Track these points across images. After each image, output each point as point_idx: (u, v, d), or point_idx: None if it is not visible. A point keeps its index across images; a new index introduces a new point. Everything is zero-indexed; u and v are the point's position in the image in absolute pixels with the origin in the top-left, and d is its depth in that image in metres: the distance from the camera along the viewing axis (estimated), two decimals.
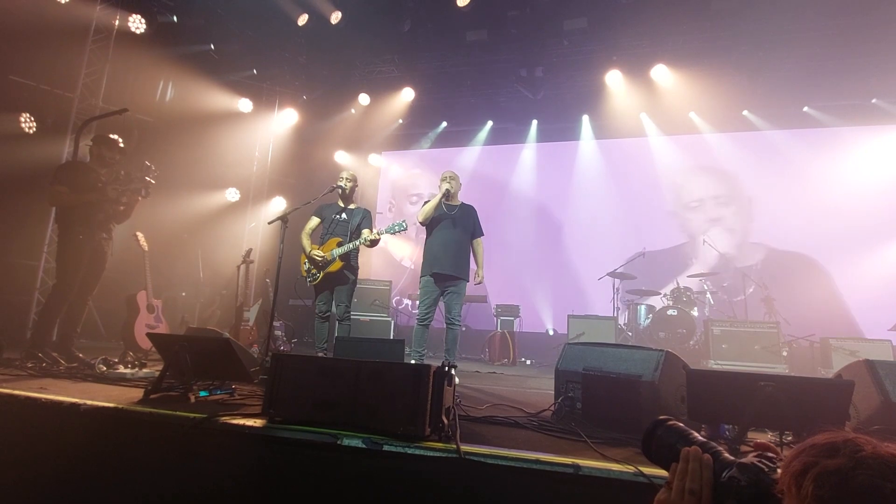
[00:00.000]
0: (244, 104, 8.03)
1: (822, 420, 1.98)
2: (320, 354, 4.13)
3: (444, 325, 4.28)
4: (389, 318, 7.28)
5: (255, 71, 7.96)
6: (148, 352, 4.27)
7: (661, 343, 6.20)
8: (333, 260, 4.25)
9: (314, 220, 4.51)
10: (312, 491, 1.88)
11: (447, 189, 4.30)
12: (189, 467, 2.01)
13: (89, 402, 2.25)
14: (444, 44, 7.25)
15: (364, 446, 1.84)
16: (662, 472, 1.56)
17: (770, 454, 0.77)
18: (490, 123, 9.06)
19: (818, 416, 2.02)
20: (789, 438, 2.12)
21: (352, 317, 4.52)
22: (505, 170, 9.19)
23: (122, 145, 4.20)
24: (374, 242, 4.28)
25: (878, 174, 7.20)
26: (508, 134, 9.13)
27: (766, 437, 2.28)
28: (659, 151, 8.30)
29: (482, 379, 4.66)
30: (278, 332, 6.22)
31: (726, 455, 0.81)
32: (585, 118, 8.60)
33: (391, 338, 6.82)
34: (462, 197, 4.55)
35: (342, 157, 9.30)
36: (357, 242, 4.26)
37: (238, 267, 5.67)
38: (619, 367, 2.46)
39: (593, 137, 8.69)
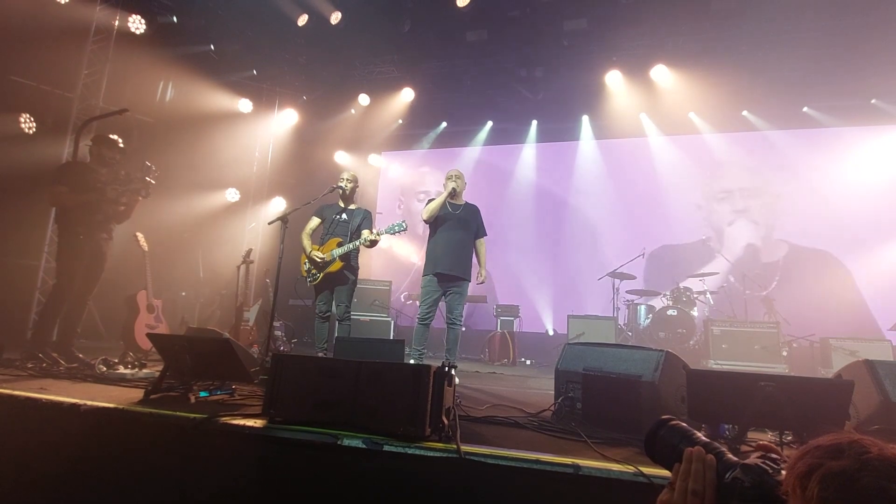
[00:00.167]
0: (244, 104, 8.04)
1: (822, 420, 1.99)
2: (320, 354, 4.13)
3: (445, 325, 4.28)
4: (389, 319, 7.28)
5: (255, 71, 7.97)
6: (148, 352, 4.27)
7: (660, 343, 6.20)
8: (333, 260, 4.25)
9: (315, 221, 4.51)
10: (312, 491, 1.88)
11: (453, 188, 4.30)
12: (189, 468, 2.01)
13: (89, 403, 2.25)
14: (443, 44, 7.25)
15: (364, 446, 1.84)
16: (663, 472, 1.57)
17: (773, 455, 0.77)
18: (490, 123, 9.05)
19: (818, 416, 2.02)
20: (789, 438, 2.12)
21: (352, 317, 4.52)
22: (505, 170, 9.19)
23: (121, 145, 4.20)
24: (373, 243, 4.29)
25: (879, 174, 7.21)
26: (508, 134, 9.12)
27: (767, 437, 2.28)
28: (659, 151, 8.29)
29: (482, 379, 4.66)
30: (278, 333, 6.22)
31: (730, 456, 0.81)
32: (585, 118, 8.60)
33: (391, 338, 6.82)
34: (463, 197, 4.55)
35: (342, 158, 9.30)
36: (357, 243, 4.26)
37: (238, 267, 5.67)
38: (619, 367, 2.46)
39: (593, 138, 8.69)
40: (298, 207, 4.12)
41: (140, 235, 4.67)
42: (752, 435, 2.19)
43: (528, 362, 6.94)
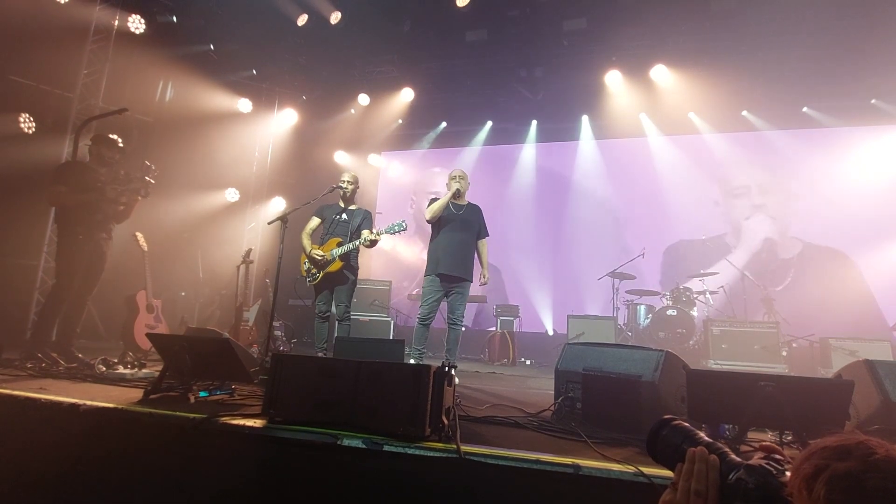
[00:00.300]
0: (244, 104, 8.03)
1: (822, 420, 1.99)
2: (320, 354, 4.13)
3: (447, 325, 4.28)
4: (389, 319, 7.27)
5: (254, 71, 7.97)
6: (147, 352, 4.27)
7: (660, 343, 6.20)
8: (333, 260, 4.25)
9: (315, 221, 4.52)
10: (312, 491, 1.88)
11: (457, 189, 4.30)
12: (189, 468, 2.01)
13: (89, 403, 2.25)
14: (443, 44, 7.25)
15: (364, 446, 1.84)
16: (663, 472, 1.57)
17: (777, 456, 0.76)
18: (490, 123, 9.05)
19: (818, 416, 2.02)
20: (789, 438, 2.12)
21: (351, 317, 4.51)
22: (504, 170, 9.19)
23: (121, 145, 4.20)
24: (373, 243, 4.29)
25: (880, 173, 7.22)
26: (508, 134, 9.12)
27: (767, 437, 2.28)
28: (659, 151, 8.29)
29: (482, 379, 4.66)
30: (278, 333, 6.22)
31: (733, 456, 0.80)
32: (585, 118, 8.60)
33: (391, 338, 6.82)
34: (465, 197, 4.54)
35: (342, 158, 9.30)
36: (357, 242, 4.26)
37: (238, 267, 5.67)
38: (619, 367, 2.46)
39: (593, 138, 8.69)
40: (298, 207, 4.12)
41: (140, 235, 4.67)
42: (751, 435, 2.19)
43: (528, 362, 6.93)
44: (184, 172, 6.94)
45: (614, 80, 7.33)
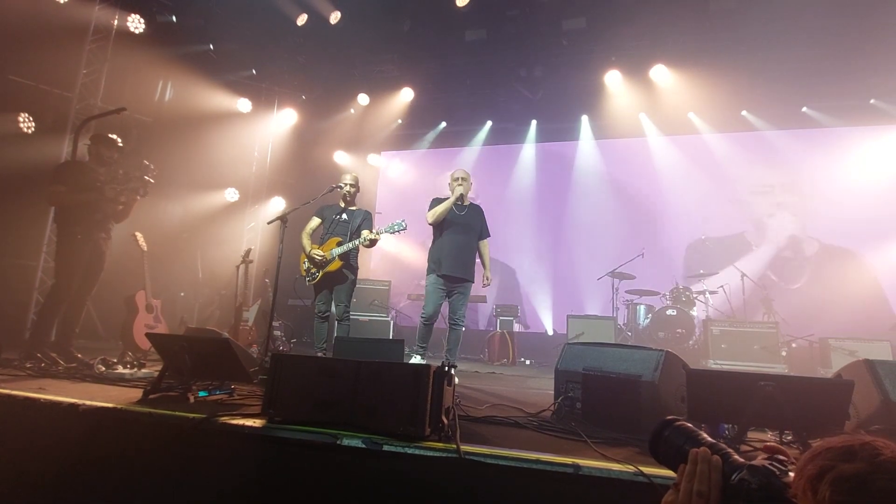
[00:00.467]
0: (243, 104, 8.03)
1: (821, 420, 1.99)
2: (319, 354, 4.13)
3: (448, 325, 4.28)
4: (388, 318, 7.27)
5: (254, 71, 7.96)
6: (147, 352, 4.26)
7: (660, 343, 6.20)
8: (333, 259, 4.25)
9: (315, 221, 4.52)
10: (312, 491, 1.88)
11: (461, 194, 4.29)
12: (188, 468, 2.00)
13: (88, 403, 2.24)
14: (443, 44, 7.25)
15: (364, 446, 1.84)
16: (663, 472, 1.57)
17: (781, 457, 0.76)
18: (489, 123, 9.05)
19: (818, 415, 2.02)
20: (789, 438, 2.12)
21: (351, 317, 4.51)
22: (504, 170, 9.19)
23: (120, 144, 4.19)
24: (373, 242, 4.29)
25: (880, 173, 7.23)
26: (508, 134, 9.12)
27: (767, 437, 2.28)
28: (659, 151, 8.30)
29: (482, 379, 4.65)
30: (277, 332, 6.22)
31: (736, 457, 0.80)
32: (585, 118, 8.60)
33: (391, 338, 6.82)
34: (467, 197, 4.54)
35: (341, 157, 9.30)
36: (356, 242, 4.26)
37: (237, 267, 5.66)
38: (618, 366, 2.46)
39: (592, 137, 8.69)
40: (298, 207, 4.12)
41: (139, 235, 4.66)
42: (751, 435, 2.19)
43: (528, 362, 6.93)
44: (183, 172, 6.93)
45: (614, 79, 7.33)
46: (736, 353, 5.85)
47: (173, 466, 2.02)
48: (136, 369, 3.29)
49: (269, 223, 4.12)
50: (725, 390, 2.14)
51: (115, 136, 4.17)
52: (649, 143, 8.32)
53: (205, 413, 2.11)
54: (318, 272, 4.30)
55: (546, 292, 8.37)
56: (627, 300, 7.03)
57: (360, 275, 4.73)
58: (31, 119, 5.60)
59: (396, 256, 9.21)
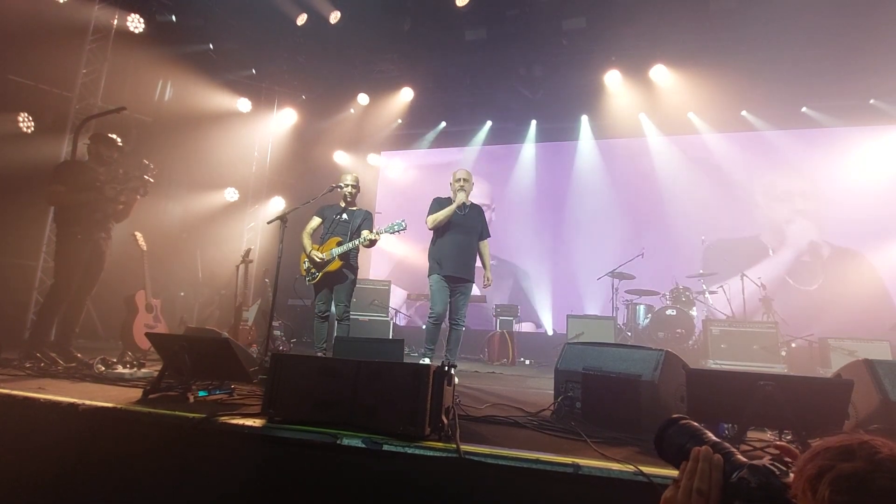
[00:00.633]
0: (243, 104, 8.03)
1: (821, 419, 1.99)
2: (319, 354, 4.13)
3: (449, 326, 4.29)
4: (388, 318, 7.27)
5: (253, 70, 7.96)
6: (146, 352, 4.26)
7: (659, 343, 6.20)
8: (333, 259, 4.25)
9: (315, 221, 4.52)
10: (312, 491, 1.88)
11: (463, 201, 4.29)
12: (188, 467, 2.00)
13: (88, 403, 2.24)
14: (443, 43, 7.24)
15: (364, 446, 1.84)
16: (663, 472, 1.57)
17: (787, 458, 0.76)
18: (489, 123, 9.05)
19: (818, 415, 2.02)
20: (788, 437, 2.13)
21: (351, 317, 4.51)
22: (504, 170, 9.19)
23: (120, 144, 4.19)
24: (372, 242, 4.29)
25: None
26: (507, 134, 9.12)
27: (766, 437, 2.28)
28: (659, 151, 8.30)
29: (482, 379, 4.65)
30: (277, 332, 6.22)
31: (738, 456, 0.80)
32: (584, 118, 8.61)
33: (391, 338, 6.81)
34: (468, 198, 4.53)
35: (341, 157, 9.30)
36: (356, 242, 4.26)
37: (237, 267, 5.66)
38: (618, 366, 2.46)
39: (592, 137, 8.69)
40: (297, 207, 4.12)
41: (139, 235, 4.66)
42: (751, 434, 2.19)
43: (528, 362, 6.93)
44: (183, 172, 6.94)
45: (614, 79, 7.33)
46: (736, 353, 5.85)
47: (173, 466, 2.02)
48: (135, 369, 3.29)
49: (268, 223, 4.11)
50: (725, 390, 2.14)
51: (114, 136, 4.17)
52: (649, 143, 8.32)
53: (205, 413, 2.10)
54: (318, 272, 4.31)
55: (546, 292, 8.38)
56: (627, 300, 7.03)
57: (360, 275, 4.73)
58: (30, 119, 5.60)
59: (396, 256, 9.21)
